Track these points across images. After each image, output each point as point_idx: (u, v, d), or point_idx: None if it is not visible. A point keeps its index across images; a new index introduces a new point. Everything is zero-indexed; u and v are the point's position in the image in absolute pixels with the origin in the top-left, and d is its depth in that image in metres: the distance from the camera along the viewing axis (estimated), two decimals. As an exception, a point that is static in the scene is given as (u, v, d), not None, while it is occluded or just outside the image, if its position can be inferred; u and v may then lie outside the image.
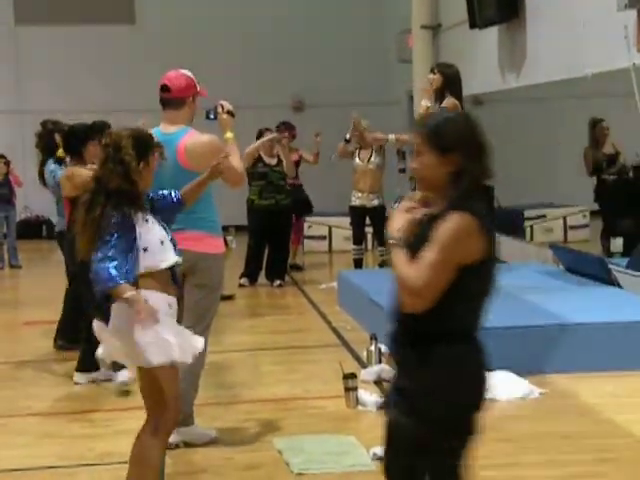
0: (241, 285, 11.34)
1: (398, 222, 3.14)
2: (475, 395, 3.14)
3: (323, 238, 14.32)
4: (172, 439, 5.39)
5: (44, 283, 11.18)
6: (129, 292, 3.98)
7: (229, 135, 5.45)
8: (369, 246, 13.50)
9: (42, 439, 5.76)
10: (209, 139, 5.28)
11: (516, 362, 6.57)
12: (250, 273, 11.46)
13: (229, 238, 14.99)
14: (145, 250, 4.10)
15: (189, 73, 5.44)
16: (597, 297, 8.01)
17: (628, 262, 8.65)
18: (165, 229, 4.24)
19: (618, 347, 6.80)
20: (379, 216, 11.40)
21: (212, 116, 5.49)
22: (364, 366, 6.95)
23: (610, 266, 8.62)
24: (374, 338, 6.98)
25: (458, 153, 3.09)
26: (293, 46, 17.29)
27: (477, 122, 3.18)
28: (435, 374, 3.08)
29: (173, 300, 4.24)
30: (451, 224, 3.01)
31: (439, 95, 8.43)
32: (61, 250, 7.70)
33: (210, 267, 5.37)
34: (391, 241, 3.12)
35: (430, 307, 3.01)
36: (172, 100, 5.35)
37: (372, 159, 11.15)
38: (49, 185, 7.86)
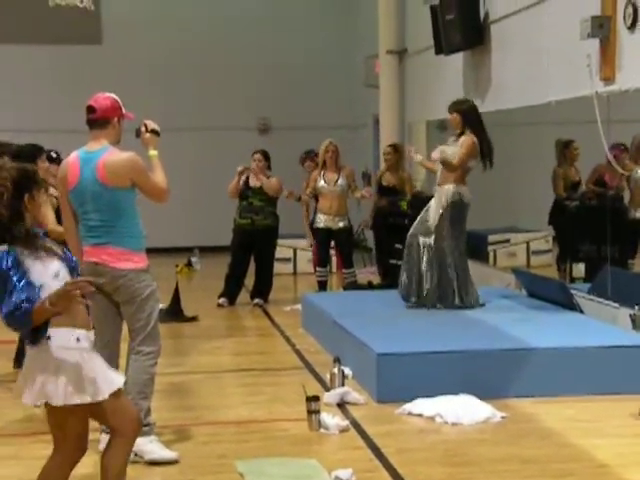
0: (219, 305, 11.17)
1: None
2: None
3: (288, 260, 14.31)
4: None
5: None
6: (47, 300, 3.94)
7: (152, 153, 5.74)
8: (333, 268, 13.51)
9: (3, 461, 5.69)
10: (127, 156, 5.50)
11: (478, 386, 6.60)
12: (229, 293, 11.29)
13: (193, 259, 14.90)
14: (41, 287, 4.04)
15: (115, 96, 5.68)
16: (559, 322, 8.06)
17: (590, 287, 8.73)
18: (62, 258, 4.15)
19: (580, 372, 6.84)
20: (345, 238, 11.40)
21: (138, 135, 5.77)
22: (327, 389, 6.95)
23: (572, 291, 8.69)
24: (337, 361, 6.99)
25: None
26: (260, 68, 17.31)
27: None
28: None
29: (82, 333, 4.11)
30: None
31: (460, 133, 8.53)
32: None
33: (132, 282, 5.54)
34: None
35: None
36: (97, 120, 5.60)
37: (339, 182, 11.15)
38: None
